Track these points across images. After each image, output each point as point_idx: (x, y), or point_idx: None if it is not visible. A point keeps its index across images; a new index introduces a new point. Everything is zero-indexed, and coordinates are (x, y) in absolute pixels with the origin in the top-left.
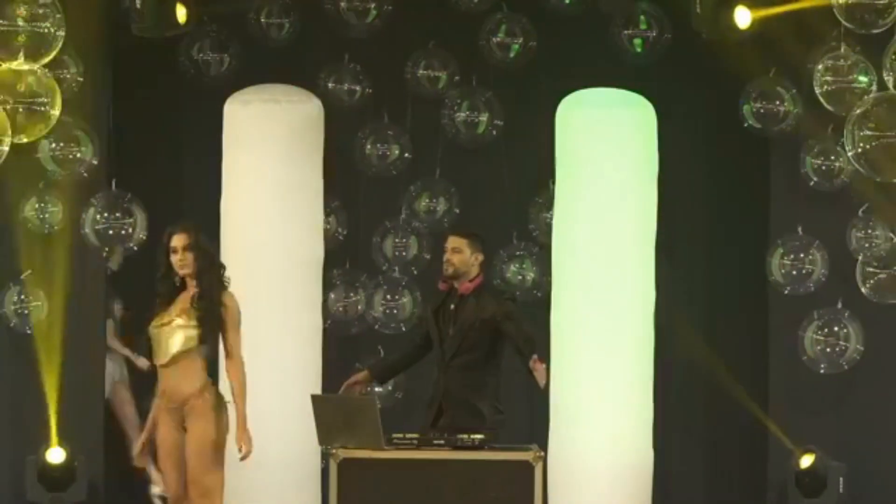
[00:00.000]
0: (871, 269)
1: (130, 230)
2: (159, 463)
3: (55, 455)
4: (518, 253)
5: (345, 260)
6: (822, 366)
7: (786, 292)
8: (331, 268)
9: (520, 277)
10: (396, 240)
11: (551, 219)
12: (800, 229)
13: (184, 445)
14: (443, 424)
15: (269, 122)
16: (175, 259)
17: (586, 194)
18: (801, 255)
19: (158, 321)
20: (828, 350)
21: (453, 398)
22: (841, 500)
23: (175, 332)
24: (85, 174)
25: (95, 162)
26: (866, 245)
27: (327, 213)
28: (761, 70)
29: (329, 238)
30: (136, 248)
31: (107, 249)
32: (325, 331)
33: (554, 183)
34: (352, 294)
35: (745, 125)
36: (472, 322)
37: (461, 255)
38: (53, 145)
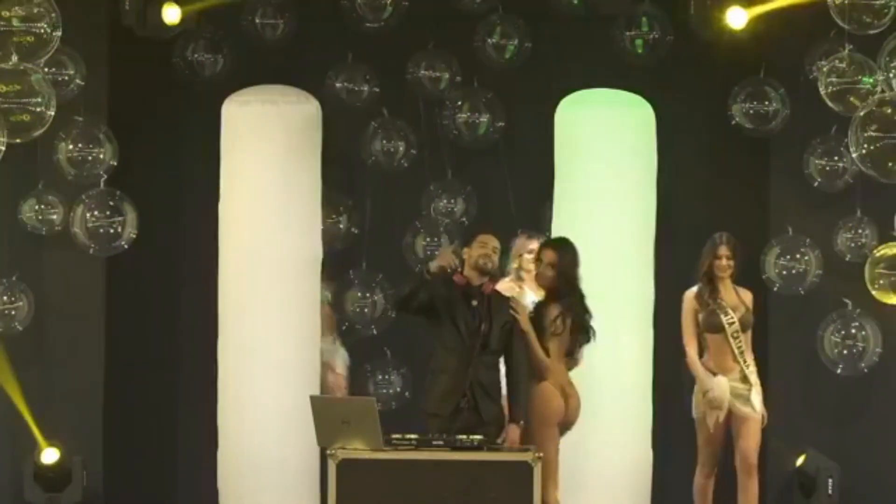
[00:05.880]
0: (880, 271)
1: (120, 228)
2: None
3: (48, 456)
4: None
5: (358, 259)
6: (840, 367)
7: (775, 289)
8: (346, 267)
9: None
10: (427, 239)
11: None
12: (790, 229)
13: None
14: (465, 408)
15: (267, 122)
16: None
17: (586, 194)
18: (797, 256)
19: None
20: (845, 352)
21: (481, 389)
22: (831, 501)
23: None
24: (105, 176)
25: (115, 163)
26: (852, 245)
27: (340, 213)
28: (759, 70)
29: (342, 237)
30: (126, 245)
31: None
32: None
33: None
34: (368, 294)
35: (733, 122)
36: (504, 324)
37: (497, 257)
38: (71, 146)
